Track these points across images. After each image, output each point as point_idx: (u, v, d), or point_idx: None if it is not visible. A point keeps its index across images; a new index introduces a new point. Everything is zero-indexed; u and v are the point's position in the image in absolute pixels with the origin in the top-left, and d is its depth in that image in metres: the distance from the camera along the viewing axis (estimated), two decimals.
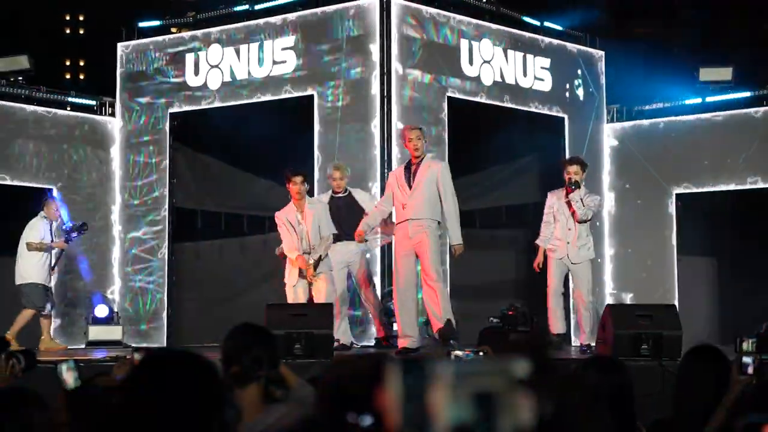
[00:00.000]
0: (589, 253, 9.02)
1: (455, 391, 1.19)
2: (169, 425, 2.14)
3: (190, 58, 11.53)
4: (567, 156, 9.28)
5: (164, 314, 11.45)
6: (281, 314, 8.00)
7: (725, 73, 11.70)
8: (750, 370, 3.93)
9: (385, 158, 10.16)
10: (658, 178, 11.86)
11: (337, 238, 8.87)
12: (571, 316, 10.63)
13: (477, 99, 11.04)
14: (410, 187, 8.23)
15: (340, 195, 9.27)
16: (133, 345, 10.95)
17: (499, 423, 1.18)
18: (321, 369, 3.53)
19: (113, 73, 12.06)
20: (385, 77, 10.27)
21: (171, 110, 11.61)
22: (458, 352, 3.70)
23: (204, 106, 11.41)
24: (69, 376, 3.10)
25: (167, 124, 11.60)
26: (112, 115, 11.97)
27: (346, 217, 9.03)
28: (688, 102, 12.05)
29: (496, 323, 8.64)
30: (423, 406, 1.19)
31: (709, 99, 11.92)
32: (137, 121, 11.80)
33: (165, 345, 11.20)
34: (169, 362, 2.27)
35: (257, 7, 11.28)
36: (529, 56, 11.59)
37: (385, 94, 10.26)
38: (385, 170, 10.03)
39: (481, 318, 9.29)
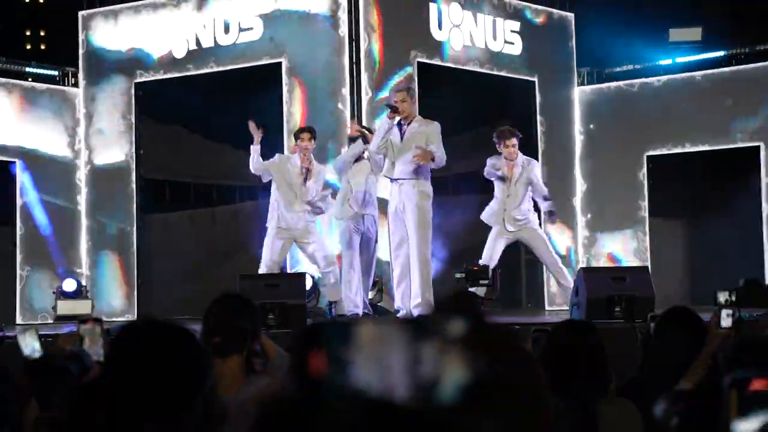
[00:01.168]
0: None
1: (383, 354, 1.21)
2: (152, 397, 2.14)
3: (155, 25, 11.51)
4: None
5: (134, 287, 11.51)
6: (254, 285, 8.11)
7: (695, 34, 11.85)
8: (728, 323, 3.87)
9: (354, 116, 10.23)
10: (630, 140, 12.03)
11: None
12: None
13: (446, 64, 11.13)
14: (402, 141, 8.30)
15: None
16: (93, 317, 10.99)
17: (434, 384, 1.20)
18: (296, 339, 3.63)
19: (75, 43, 12.02)
20: (354, 44, 10.33)
21: (136, 80, 11.61)
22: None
23: (170, 75, 11.42)
24: (29, 345, 3.01)
25: (132, 93, 11.60)
26: (75, 85, 11.96)
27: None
28: (659, 63, 12.21)
29: (460, 278, 8.72)
30: (350, 371, 1.22)
31: (679, 59, 12.09)
32: (101, 92, 11.79)
33: (135, 319, 11.27)
34: (151, 332, 2.26)
35: None
36: (499, 20, 11.69)
37: (354, 60, 10.33)
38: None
39: (458, 284, 9.43)
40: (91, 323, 3.05)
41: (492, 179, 9.31)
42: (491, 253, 9.13)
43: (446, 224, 10.35)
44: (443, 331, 1.25)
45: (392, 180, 8.38)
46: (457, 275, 8.56)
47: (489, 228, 9.35)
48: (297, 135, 9.16)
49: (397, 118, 8.28)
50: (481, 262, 9.00)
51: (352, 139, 9.04)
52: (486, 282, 8.56)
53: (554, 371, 3.19)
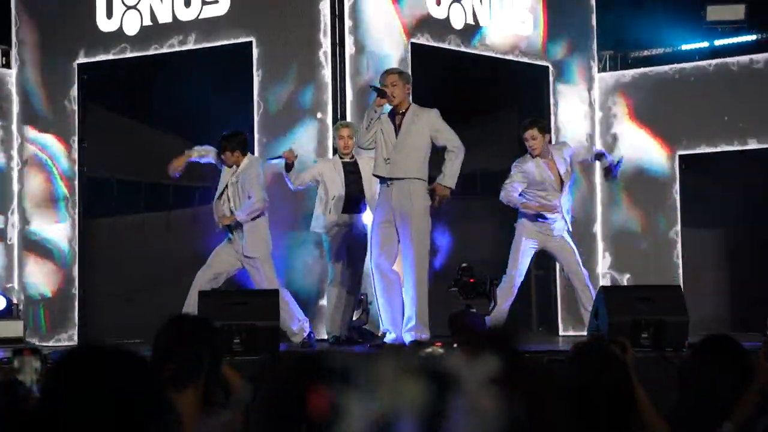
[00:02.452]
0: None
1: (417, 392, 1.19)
2: None
3: None
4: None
5: (75, 306, 11.44)
6: (217, 303, 8.07)
7: (737, 12, 11.86)
8: None
9: (338, 117, 10.22)
10: (659, 137, 12.02)
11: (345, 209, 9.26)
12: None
13: (445, 45, 11.11)
14: (396, 137, 8.27)
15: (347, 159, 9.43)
16: (33, 343, 10.96)
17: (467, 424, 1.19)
18: (262, 367, 3.59)
19: (7, 17, 11.96)
20: (337, 21, 10.31)
21: (78, 60, 11.56)
22: (429, 350, 3.78)
23: (119, 55, 11.37)
24: None
25: (75, 77, 11.55)
26: (7, 66, 11.89)
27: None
28: (693, 46, 12.21)
29: (453, 292, 8.75)
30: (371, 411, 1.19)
31: (718, 42, 12.09)
32: (38, 74, 11.73)
33: (76, 342, 11.20)
34: (94, 360, 2.27)
35: None
36: None
37: (338, 41, 10.30)
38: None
39: (452, 300, 9.41)
40: (28, 354, 3.05)
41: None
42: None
43: (440, 233, 10.31)
44: (476, 371, 1.22)
45: (383, 180, 8.33)
46: (451, 289, 8.55)
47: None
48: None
49: (387, 107, 8.24)
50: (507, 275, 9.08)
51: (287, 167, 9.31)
52: (483, 294, 8.58)
53: (571, 410, 3.14)
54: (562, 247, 9.33)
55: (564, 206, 9.30)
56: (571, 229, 9.52)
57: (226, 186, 9.16)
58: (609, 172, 9.58)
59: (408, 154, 8.21)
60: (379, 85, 8.45)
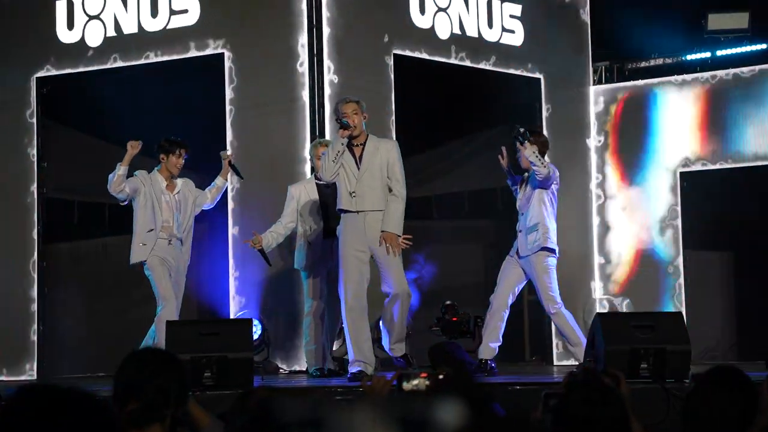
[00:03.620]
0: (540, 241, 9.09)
1: None
2: None
3: (61, 6, 11.45)
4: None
5: (33, 336, 11.37)
6: (186, 333, 8.02)
7: (740, 20, 11.92)
8: None
9: (316, 134, 10.21)
10: (659, 153, 12.05)
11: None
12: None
13: (430, 57, 11.13)
14: (358, 169, 8.35)
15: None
16: None
17: None
18: (236, 403, 3.56)
19: None
20: (315, 32, 10.31)
21: (38, 74, 11.53)
22: (415, 381, 3.77)
23: (81, 68, 11.35)
24: None
25: (33, 92, 11.52)
26: None
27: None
28: (694, 57, 12.26)
29: (436, 330, 8.78)
30: None
31: (720, 53, 12.14)
32: None
33: (35, 377, 11.14)
34: (47, 402, 2.25)
35: None
36: (496, 3, 11.71)
37: (315, 53, 10.30)
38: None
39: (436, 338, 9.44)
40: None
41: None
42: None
43: (428, 255, 10.32)
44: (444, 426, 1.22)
45: (351, 212, 8.38)
46: (434, 328, 8.65)
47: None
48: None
49: (345, 139, 8.30)
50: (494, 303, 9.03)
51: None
52: (467, 333, 8.64)
53: None
54: (526, 267, 9.22)
55: (529, 222, 9.12)
56: (543, 244, 9.21)
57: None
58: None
59: (373, 186, 8.36)
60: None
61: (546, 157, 9.04)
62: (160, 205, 9.34)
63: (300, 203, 9.33)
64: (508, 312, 9.08)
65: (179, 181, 9.44)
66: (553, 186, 9.09)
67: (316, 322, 9.32)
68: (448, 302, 8.70)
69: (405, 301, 8.40)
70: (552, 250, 9.07)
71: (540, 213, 9.03)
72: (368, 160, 8.38)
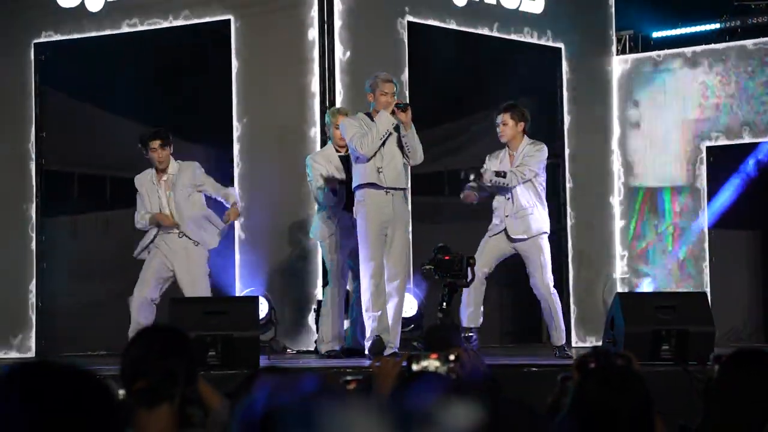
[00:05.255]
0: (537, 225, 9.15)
1: None
2: None
3: None
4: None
5: (31, 313, 11.44)
6: (190, 312, 8.08)
7: None
8: None
9: (326, 106, 10.23)
10: (684, 126, 12.05)
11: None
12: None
13: (446, 25, 11.13)
14: (382, 147, 8.49)
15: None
16: None
17: None
18: (242, 383, 3.61)
19: None
20: (325, 3, 10.33)
21: (36, 40, 11.55)
22: (425, 363, 3.80)
23: (81, 35, 11.37)
24: None
25: (31, 58, 11.54)
26: None
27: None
28: (720, 26, 12.24)
29: (427, 270, 8.84)
30: None
31: (749, 21, 12.13)
32: None
33: (34, 354, 11.21)
34: (45, 381, 2.23)
35: None
36: None
37: (326, 21, 10.32)
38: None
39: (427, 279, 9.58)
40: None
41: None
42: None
43: (437, 235, 10.35)
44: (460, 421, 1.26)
45: (375, 189, 8.46)
46: (425, 267, 8.68)
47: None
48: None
49: (394, 120, 8.46)
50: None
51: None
52: (459, 273, 8.68)
53: None
54: (525, 250, 9.25)
55: (520, 206, 9.13)
56: (543, 228, 9.26)
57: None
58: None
59: (398, 164, 8.58)
60: (370, 90, 8.57)
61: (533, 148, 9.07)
62: (150, 200, 9.31)
63: (322, 173, 9.20)
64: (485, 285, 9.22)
65: (172, 169, 9.23)
66: (538, 176, 9.15)
67: (337, 298, 9.23)
68: (440, 244, 8.79)
69: (403, 301, 8.75)
70: (547, 233, 9.19)
71: (531, 197, 9.11)
72: (393, 136, 8.52)
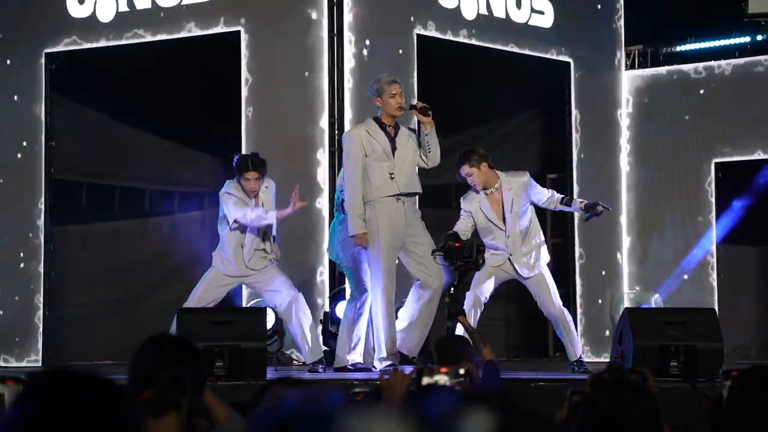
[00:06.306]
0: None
1: None
2: None
3: None
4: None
5: (39, 322, 11.44)
6: (198, 322, 8.07)
7: None
8: None
9: (335, 114, 10.25)
10: (693, 142, 12.04)
11: None
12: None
13: (455, 38, 11.14)
14: (394, 152, 8.43)
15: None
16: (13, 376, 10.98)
17: None
18: (252, 394, 3.60)
19: None
20: (335, 10, 10.34)
21: (47, 49, 11.57)
22: (435, 377, 3.77)
23: (92, 44, 11.39)
24: None
25: (42, 67, 11.56)
26: None
27: None
28: (732, 41, 12.23)
29: (438, 256, 8.77)
30: None
31: (761, 37, 12.11)
32: (1, 65, 11.75)
33: (40, 364, 11.21)
34: (60, 387, 2.27)
35: None
36: None
37: (335, 32, 10.33)
38: (336, 137, 10.13)
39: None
40: (12, 384, 3.10)
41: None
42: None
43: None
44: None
45: (387, 198, 8.42)
46: (436, 254, 8.61)
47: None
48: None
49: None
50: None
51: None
52: (469, 259, 8.61)
53: None
54: (533, 285, 9.15)
55: (522, 240, 9.04)
56: (547, 259, 9.21)
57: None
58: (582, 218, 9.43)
59: (411, 167, 8.53)
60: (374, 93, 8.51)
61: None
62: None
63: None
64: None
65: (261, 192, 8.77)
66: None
67: (360, 310, 8.97)
68: (450, 232, 8.75)
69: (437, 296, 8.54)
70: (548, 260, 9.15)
71: (538, 227, 9.08)
72: (404, 141, 8.48)
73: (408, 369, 4.07)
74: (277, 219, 8.63)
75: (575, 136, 12.06)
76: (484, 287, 8.92)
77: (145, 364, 3.49)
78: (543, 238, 9.08)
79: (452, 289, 8.42)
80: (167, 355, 3.51)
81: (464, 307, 8.61)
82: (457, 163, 8.87)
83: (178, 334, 7.70)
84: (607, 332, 11.70)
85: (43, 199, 11.52)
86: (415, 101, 8.47)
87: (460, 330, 8.09)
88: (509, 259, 8.89)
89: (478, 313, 8.92)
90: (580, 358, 9.05)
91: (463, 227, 8.85)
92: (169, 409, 3.43)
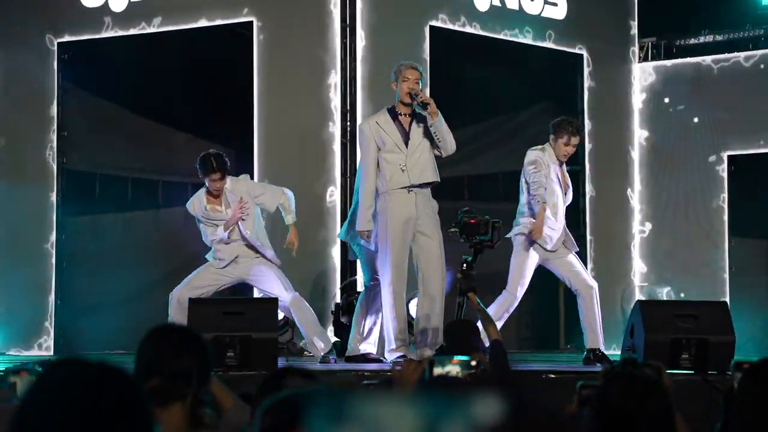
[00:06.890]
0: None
1: None
2: None
3: None
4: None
5: (51, 312, 11.45)
6: (208, 312, 8.06)
7: None
8: None
9: (347, 108, 10.23)
10: (706, 134, 12.01)
11: None
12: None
13: (468, 29, 11.11)
14: (406, 143, 8.30)
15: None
16: (26, 367, 11.01)
17: None
18: (260, 384, 3.59)
19: None
20: (348, 2, 10.32)
21: (59, 39, 11.57)
22: (447, 368, 3.75)
23: (105, 34, 11.38)
24: None
25: (55, 57, 11.57)
26: None
27: None
28: (746, 35, 12.18)
29: (453, 232, 8.75)
30: None
31: None
32: (13, 54, 11.75)
33: (52, 354, 11.22)
34: (76, 377, 2.27)
35: None
36: None
37: (347, 22, 10.31)
38: (347, 129, 10.12)
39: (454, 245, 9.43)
40: (25, 374, 3.11)
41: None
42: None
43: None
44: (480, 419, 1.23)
45: (398, 190, 8.34)
46: (451, 230, 8.57)
47: (512, 246, 9.23)
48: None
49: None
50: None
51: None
52: (485, 237, 8.59)
53: None
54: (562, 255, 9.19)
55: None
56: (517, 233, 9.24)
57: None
58: None
59: (427, 157, 8.32)
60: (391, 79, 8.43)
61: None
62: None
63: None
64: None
65: (227, 187, 8.83)
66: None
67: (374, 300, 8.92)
68: (465, 208, 8.73)
69: (441, 304, 8.46)
70: None
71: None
72: (417, 131, 8.36)
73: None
74: (225, 229, 8.74)
75: (587, 126, 12.02)
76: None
77: (150, 354, 3.49)
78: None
79: (464, 265, 8.32)
80: (173, 345, 3.50)
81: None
82: (577, 132, 8.94)
83: (190, 324, 7.70)
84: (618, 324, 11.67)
85: (55, 189, 11.53)
86: (415, 96, 8.26)
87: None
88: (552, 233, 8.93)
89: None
90: (596, 349, 8.95)
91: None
92: (174, 399, 3.42)
